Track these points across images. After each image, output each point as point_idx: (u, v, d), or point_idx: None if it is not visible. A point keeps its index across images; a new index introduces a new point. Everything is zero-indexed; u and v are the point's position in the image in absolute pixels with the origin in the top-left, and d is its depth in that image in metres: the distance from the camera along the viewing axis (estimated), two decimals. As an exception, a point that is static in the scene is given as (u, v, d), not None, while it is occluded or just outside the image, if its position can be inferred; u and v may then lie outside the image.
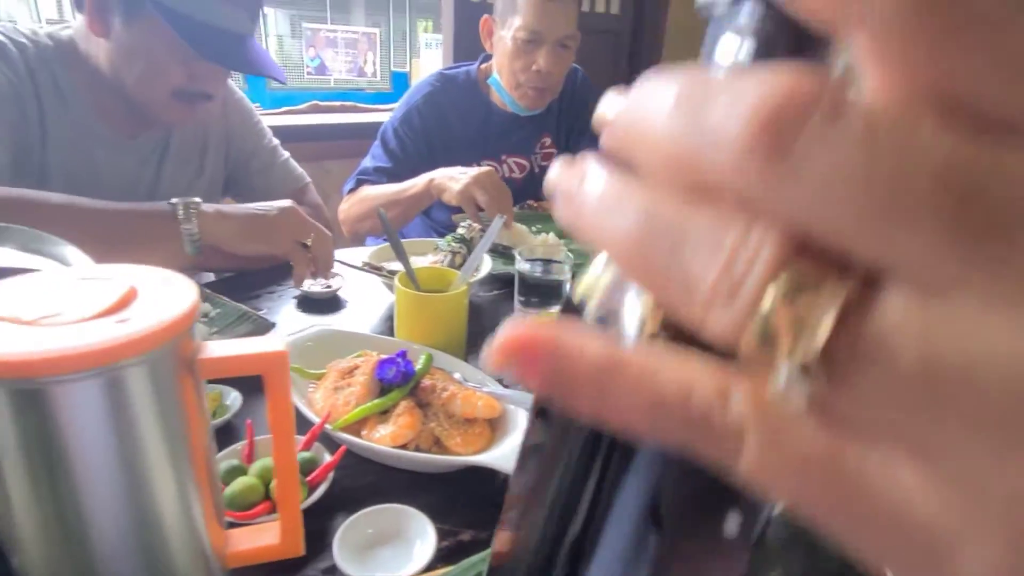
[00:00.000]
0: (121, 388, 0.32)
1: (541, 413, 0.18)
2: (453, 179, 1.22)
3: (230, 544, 0.43)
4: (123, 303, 0.34)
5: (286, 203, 0.98)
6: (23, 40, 0.96)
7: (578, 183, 0.13)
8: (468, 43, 2.21)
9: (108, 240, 0.82)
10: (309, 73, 7.69)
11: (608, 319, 0.15)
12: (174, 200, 0.89)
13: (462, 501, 0.59)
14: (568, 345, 0.13)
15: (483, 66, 1.50)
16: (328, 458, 0.59)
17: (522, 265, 0.97)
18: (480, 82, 1.49)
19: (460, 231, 1.07)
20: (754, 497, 0.14)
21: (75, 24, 1.01)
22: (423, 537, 0.52)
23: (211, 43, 0.94)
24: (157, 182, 1.11)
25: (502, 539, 0.20)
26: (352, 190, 1.40)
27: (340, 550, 0.50)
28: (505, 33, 1.36)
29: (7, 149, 0.91)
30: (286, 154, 1.25)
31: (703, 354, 0.12)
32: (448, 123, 1.44)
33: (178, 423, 0.36)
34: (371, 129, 2.29)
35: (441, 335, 0.79)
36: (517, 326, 0.13)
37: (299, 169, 1.26)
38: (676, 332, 0.13)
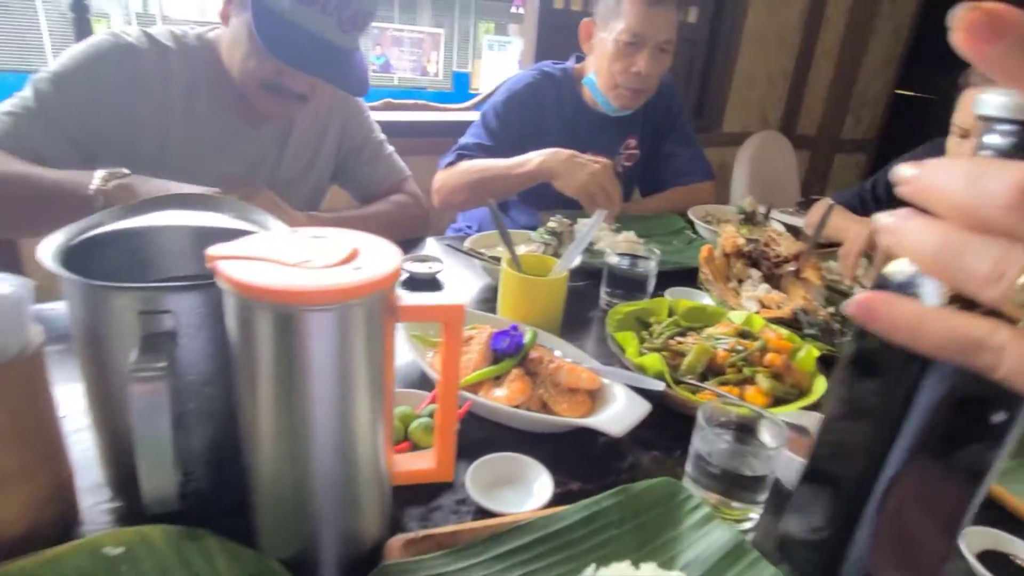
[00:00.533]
0: (349, 321, 0.41)
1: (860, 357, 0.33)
2: (569, 170, 1.25)
3: (396, 465, 0.52)
4: (352, 257, 0.43)
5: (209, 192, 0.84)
6: (168, 43, 1.07)
7: (899, 220, 0.25)
8: (549, 48, 2.30)
9: (27, 208, 0.86)
10: (374, 71, 7.91)
11: (907, 292, 0.28)
12: (95, 178, 0.85)
13: (568, 457, 0.67)
14: (896, 303, 0.25)
15: (577, 66, 1.57)
16: (451, 412, 0.67)
17: (612, 259, 1.04)
18: (575, 80, 1.55)
19: (551, 225, 1.15)
20: (1010, 397, 0.27)
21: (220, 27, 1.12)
22: (540, 481, 0.60)
23: (289, 42, 0.98)
24: (277, 169, 1.22)
25: (825, 444, 0.36)
26: (450, 164, 1.46)
27: (471, 486, 0.59)
28: (606, 35, 1.42)
29: (89, 135, 0.99)
30: (391, 148, 1.36)
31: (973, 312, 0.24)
32: (544, 115, 1.51)
33: (379, 357, 0.45)
34: (444, 128, 2.40)
35: (541, 315, 0.87)
36: (865, 295, 0.26)
37: (401, 163, 1.37)
38: (955, 300, 0.26)
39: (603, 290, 1.07)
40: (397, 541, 0.50)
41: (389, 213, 1.24)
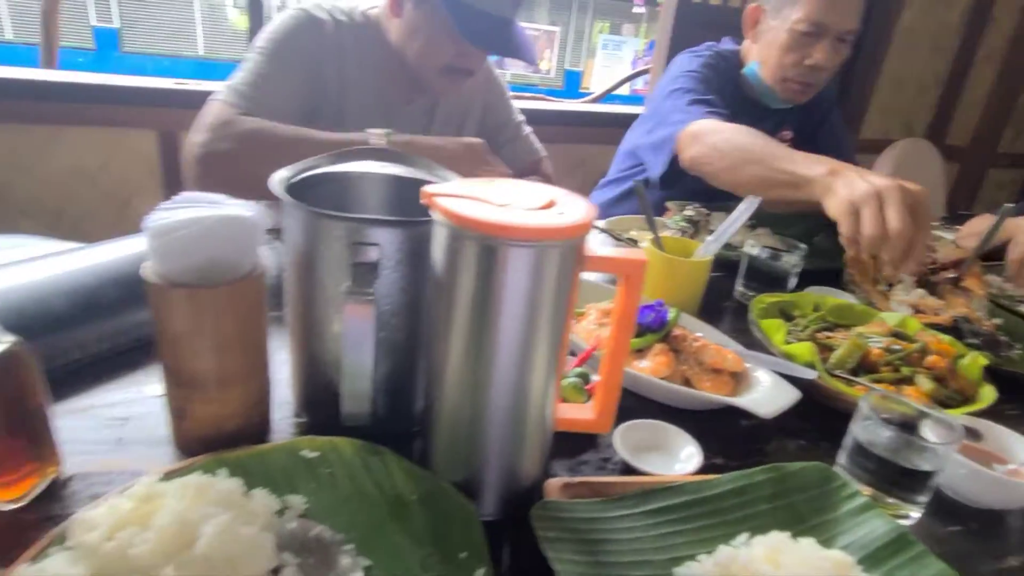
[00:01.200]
0: (544, 260, 0.44)
1: None
2: (850, 184, 0.89)
3: (558, 412, 0.54)
4: (551, 204, 0.45)
5: (474, 140, 1.06)
6: (343, 18, 1.17)
7: None
8: (685, 41, 2.25)
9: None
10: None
11: None
12: (372, 134, 0.96)
13: (711, 434, 0.66)
14: None
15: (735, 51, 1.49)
16: (595, 378, 0.69)
17: (753, 250, 1.02)
18: (737, 66, 1.46)
19: (688, 212, 1.14)
20: None
21: (380, 5, 1.21)
22: (688, 450, 0.61)
23: (478, 27, 1.06)
24: None
25: None
26: (698, 117, 1.26)
27: (620, 445, 0.60)
28: (778, 24, 1.31)
29: (300, 101, 1.10)
30: (528, 129, 1.40)
31: None
32: (719, 89, 1.42)
33: (564, 302, 0.47)
34: (557, 117, 2.42)
35: (681, 296, 0.87)
36: None
37: (538, 143, 1.40)
38: None
39: (739, 282, 1.05)
40: (556, 482, 0.52)
41: None
